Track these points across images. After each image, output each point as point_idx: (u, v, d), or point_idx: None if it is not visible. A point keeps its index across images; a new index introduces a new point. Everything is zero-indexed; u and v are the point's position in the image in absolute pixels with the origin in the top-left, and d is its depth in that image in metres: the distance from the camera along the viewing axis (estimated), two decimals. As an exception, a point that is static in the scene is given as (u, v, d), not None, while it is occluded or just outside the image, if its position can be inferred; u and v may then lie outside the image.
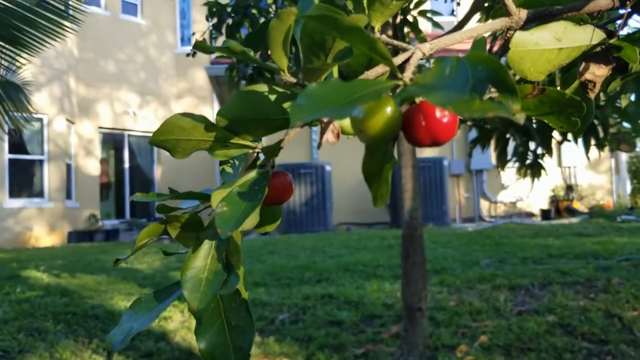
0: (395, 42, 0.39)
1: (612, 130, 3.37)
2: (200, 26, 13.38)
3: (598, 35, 0.43)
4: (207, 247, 0.42)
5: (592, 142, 3.34)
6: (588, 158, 3.93)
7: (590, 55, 0.44)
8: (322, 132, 0.37)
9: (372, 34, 0.41)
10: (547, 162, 3.76)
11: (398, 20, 3.39)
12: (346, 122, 0.42)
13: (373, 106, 0.33)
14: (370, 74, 0.39)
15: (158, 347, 3.15)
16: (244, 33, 4.09)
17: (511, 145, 3.50)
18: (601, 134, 3.28)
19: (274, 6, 3.94)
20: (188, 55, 4.71)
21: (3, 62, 4.40)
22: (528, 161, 3.58)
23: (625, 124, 3.27)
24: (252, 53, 0.39)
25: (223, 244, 0.42)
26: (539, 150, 3.56)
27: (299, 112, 0.28)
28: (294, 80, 0.40)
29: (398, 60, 0.37)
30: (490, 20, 0.42)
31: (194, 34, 5.28)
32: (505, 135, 3.39)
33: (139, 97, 13.07)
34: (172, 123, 0.41)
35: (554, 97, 0.39)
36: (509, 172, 10.92)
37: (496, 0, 3.54)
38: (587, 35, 0.43)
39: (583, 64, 0.44)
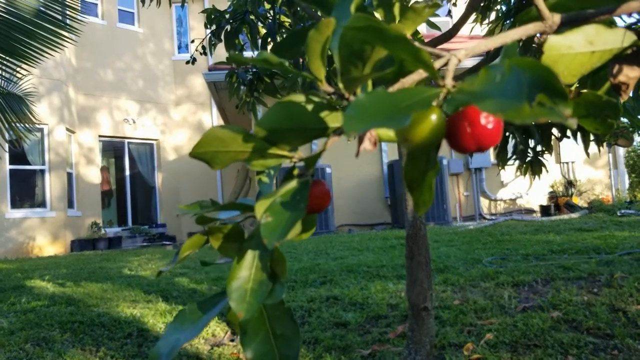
0: (429, 49, 0.39)
1: (611, 125, 3.38)
2: (197, 33, 13.41)
3: (629, 38, 0.43)
4: (250, 258, 0.42)
5: (591, 137, 3.35)
6: (587, 154, 3.94)
7: (622, 57, 0.44)
8: (360, 141, 0.38)
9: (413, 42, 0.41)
10: (546, 158, 3.77)
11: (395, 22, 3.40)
12: (382, 130, 0.42)
13: (419, 114, 0.33)
14: (407, 81, 0.39)
15: (165, 354, 3.15)
16: (242, 39, 4.09)
17: (511, 143, 3.51)
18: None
19: (271, 12, 3.95)
20: (187, 62, 4.72)
21: (4, 73, 4.41)
22: (528, 159, 3.59)
23: (624, 119, 3.28)
24: (287, 64, 0.39)
25: (267, 254, 0.42)
26: (539, 147, 3.57)
27: (352, 123, 0.28)
28: (331, 90, 0.41)
29: (435, 66, 0.38)
30: (521, 26, 0.42)
31: (192, 41, 5.29)
32: (504, 133, 3.40)
33: (138, 105, 13.08)
34: (211, 135, 0.41)
35: (590, 100, 0.40)
36: (508, 170, 10.94)
37: (492, 1, 3.57)
38: (619, 38, 0.43)
39: (616, 66, 0.44)
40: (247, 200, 0.45)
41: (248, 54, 4.94)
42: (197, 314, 0.44)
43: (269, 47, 3.84)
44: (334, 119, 0.42)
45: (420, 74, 0.39)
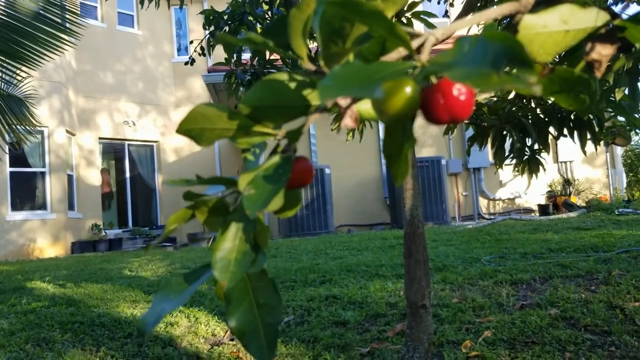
0: (409, 29, 0.41)
1: (607, 124, 3.40)
2: (196, 35, 13.44)
3: (602, 17, 0.45)
4: (234, 229, 0.43)
5: (588, 136, 3.36)
6: (584, 152, 3.96)
7: (595, 36, 0.46)
8: (341, 117, 0.39)
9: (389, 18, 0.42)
10: (544, 157, 3.79)
11: (392, 21, 3.42)
12: (363, 107, 0.43)
13: (393, 86, 0.34)
14: (386, 59, 0.41)
15: (165, 353, 3.15)
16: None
17: (508, 143, 3.52)
18: (596, 129, 3.30)
19: (269, 12, 3.97)
20: (187, 63, 4.74)
21: (4, 76, 4.44)
22: (525, 157, 3.60)
23: (620, 118, 3.29)
24: (271, 43, 0.40)
25: (251, 225, 0.43)
26: (536, 146, 3.58)
27: (326, 91, 0.29)
28: (313, 67, 0.42)
29: (413, 45, 0.39)
30: (498, 5, 0.43)
31: (191, 42, 5.31)
32: (502, 132, 3.42)
33: (138, 107, 13.11)
34: (197, 112, 0.43)
35: (563, 76, 0.41)
36: (506, 169, 10.96)
37: (489, 1, 3.58)
38: (592, 17, 0.44)
39: (589, 44, 0.45)
40: (231, 176, 0.47)
41: (246, 55, 4.95)
42: (183, 285, 0.46)
43: (267, 48, 3.87)
44: (316, 97, 0.43)
45: (399, 53, 0.40)
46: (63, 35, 4.41)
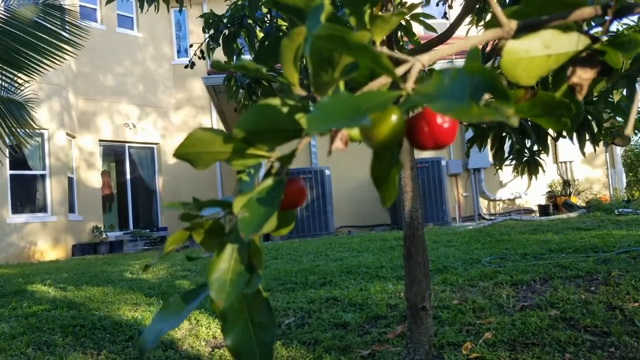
0: (396, 54, 0.42)
1: (606, 124, 3.41)
2: (196, 37, 13.47)
3: (583, 41, 0.46)
4: (229, 251, 0.45)
5: (587, 137, 3.37)
6: (583, 153, 3.96)
7: (577, 59, 0.47)
8: (332, 140, 0.40)
9: (375, 48, 0.44)
10: (544, 158, 3.80)
11: (392, 24, 3.43)
12: (354, 130, 0.45)
13: (379, 115, 0.36)
14: (374, 84, 0.42)
15: (167, 356, 3.17)
16: (240, 43, 4.13)
17: (507, 144, 3.53)
18: (595, 129, 3.31)
19: (269, 16, 3.99)
20: (186, 66, 4.75)
21: (4, 83, 4.46)
22: (525, 158, 3.61)
23: (619, 118, 3.31)
24: (264, 70, 0.42)
25: (245, 247, 0.45)
26: (535, 147, 3.59)
27: (315, 123, 0.31)
28: (304, 93, 0.43)
29: (399, 71, 0.40)
30: (482, 32, 0.45)
31: (191, 45, 5.33)
32: (501, 134, 3.43)
33: (138, 109, 13.12)
34: (194, 137, 0.44)
35: (544, 100, 0.42)
36: (507, 170, 10.96)
37: (486, 4, 3.59)
38: (573, 42, 0.46)
39: (570, 69, 0.47)
40: (227, 198, 0.48)
41: (247, 57, 4.95)
42: (180, 305, 0.47)
43: (267, 51, 3.88)
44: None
45: (387, 78, 0.42)
46: (63, 45, 4.44)
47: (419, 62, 0.41)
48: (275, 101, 0.42)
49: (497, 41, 0.46)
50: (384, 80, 0.42)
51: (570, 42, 0.46)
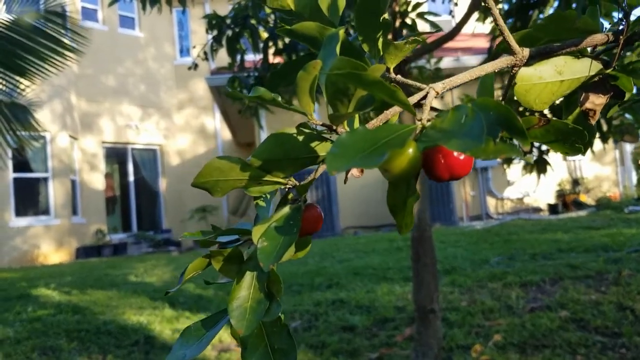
0: (410, 82, 0.43)
1: (616, 122, 3.40)
2: (199, 37, 13.49)
3: (595, 67, 0.47)
4: (249, 278, 0.46)
5: (596, 134, 3.36)
6: (593, 151, 3.94)
7: (589, 85, 0.48)
8: (347, 170, 0.41)
9: (390, 77, 0.45)
10: (552, 156, 3.79)
11: (397, 24, 3.43)
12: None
13: (397, 150, 0.36)
14: (390, 112, 0.43)
15: (175, 360, 3.18)
16: (243, 43, 4.14)
17: (515, 142, 3.53)
18: (605, 127, 3.30)
19: (272, 16, 3.99)
20: (190, 68, 4.76)
21: (6, 88, 4.49)
22: (533, 157, 3.60)
23: (628, 116, 3.30)
24: (279, 99, 0.43)
25: (264, 275, 0.46)
26: (544, 146, 3.59)
27: (335, 162, 0.32)
28: (319, 122, 0.44)
29: (414, 99, 0.41)
30: (495, 59, 0.45)
31: (194, 46, 5.34)
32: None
33: (141, 110, 13.14)
34: (211, 166, 0.45)
35: (558, 127, 0.43)
36: (514, 168, 10.91)
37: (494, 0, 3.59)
38: (586, 67, 0.46)
39: (583, 94, 0.48)
40: (245, 225, 0.49)
41: (250, 57, 4.96)
42: (201, 331, 0.48)
43: (271, 50, 3.87)
44: (323, 149, 0.45)
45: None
46: (64, 52, 4.47)
47: (433, 90, 0.41)
48: (291, 130, 0.43)
49: (511, 72, 0.47)
50: (398, 109, 0.43)
51: (583, 68, 0.46)
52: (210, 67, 11.92)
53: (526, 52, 0.46)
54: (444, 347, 3.01)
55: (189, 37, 14.21)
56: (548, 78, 0.46)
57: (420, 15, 3.48)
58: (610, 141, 3.55)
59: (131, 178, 13.11)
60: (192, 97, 13.89)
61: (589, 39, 0.46)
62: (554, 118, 0.44)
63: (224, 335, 3.55)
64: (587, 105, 0.47)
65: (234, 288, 0.45)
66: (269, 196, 0.50)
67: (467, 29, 3.65)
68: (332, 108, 0.41)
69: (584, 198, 10.85)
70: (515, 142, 0.35)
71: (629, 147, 12.10)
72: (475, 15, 3.73)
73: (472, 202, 11.42)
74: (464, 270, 4.54)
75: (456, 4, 4.60)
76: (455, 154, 0.38)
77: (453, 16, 5.71)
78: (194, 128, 13.78)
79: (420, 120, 0.38)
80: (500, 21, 0.42)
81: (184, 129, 13.78)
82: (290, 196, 0.47)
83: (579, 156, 9.99)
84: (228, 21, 4.00)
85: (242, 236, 0.49)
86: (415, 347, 2.88)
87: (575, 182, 11.15)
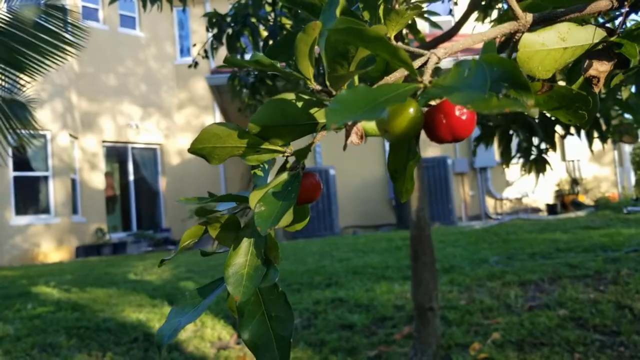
0: (411, 49, 0.42)
1: (614, 122, 3.40)
2: (199, 37, 13.48)
3: (599, 34, 0.46)
4: (246, 245, 0.45)
5: (595, 134, 3.36)
6: (592, 151, 3.94)
7: (593, 52, 0.47)
8: (347, 135, 0.40)
9: (392, 41, 0.44)
10: (551, 156, 3.78)
11: (397, 22, 3.43)
12: (369, 125, 0.45)
13: (397, 108, 0.36)
14: (390, 79, 0.42)
15: (172, 357, 3.18)
16: (244, 41, 4.14)
17: (515, 142, 3.52)
18: (603, 127, 3.30)
19: (272, 14, 3.99)
20: (190, 66, 4.76)
21: (5, 84, 4.47)
22: (532, 157, 3.59)
23: (627, 116, 3.29)
24: (278, 64, 0.42)
25: (262, 241, 0.45)
26: (543, 146, 3.58)
27: (334, 116, 0.31)
28: (319, 87, 0.43)
29: (415, 65, 0.40)
30: (498, 25, 0.45)
31: (194, 45, 5.34)
32: (508, 131, 3.42)
33: (141, 109, 13.13)
34: (209, 132, 0.44)
35: (561, 93, 0.42)
36: (513, 169, 10.91)
37: (493, 1, 3.58)
38: (589, 34, 0.46)
39: (587, 61, 0.47)
40: (243, 193, 0.48)
41: (250, 56, 4.98)
42: (197, 299, 0.47)
43: (269, 49, 3.88)
44: (322, 115, 0.44)
45: (402, 72, 0.42)
46: (65, 47, 4.46)
47: (434, 55, 0.41)
48: (290, 96, 0.42)
49: (511, 34, 0.46)
50: (399, 75, 0.42)
51: (587, 35, 0.45)
52: (211, 66, 11.92)
53: (529, 17, 0.45)
54: (443, 345, 3.01)
55: (189, 37, 14.21)
56: (551, 45, 0.45)
57: (420, 14, 3.48)
58: (609, 142, 3.55)
59: (131, 177, 13.10)
60: (193, 97, 13.89)
61: (593, 5, 0.45)
62: (557, 84, 0.43)
63: (223, 333, 3.55)
64: (591, 72, 0.46)
65: (230, 255, 0.44)
66: (266, 166, 0.49)
67: (466, 28, 3.65)
68: (331, 72, 0.40)
69: (582, 198, 10.86)
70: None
71: (627, 148, 12.11)
72: (475, 14, 3.72)
73: (471, 202, 11.41)
74: (463, 269, 4.53)
75: (456, 4, 4.60)
76: (457, 113, 0.37)
77: (453, 15, 5.72)
78: (194, 127, 13.76)
79: (422, 81, 0.37)
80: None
81: (184, 129, 13.77)
82: (288, 165, 0.46)
83: (578, 156, 9.97)
84: (228, 19, 4.00)
85: (239, 203, 0.48)
86: (414, 345, 2.88)
87: (574, 183, 11.15)
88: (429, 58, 0.41)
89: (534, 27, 0.46)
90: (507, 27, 0.45)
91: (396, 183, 0.43)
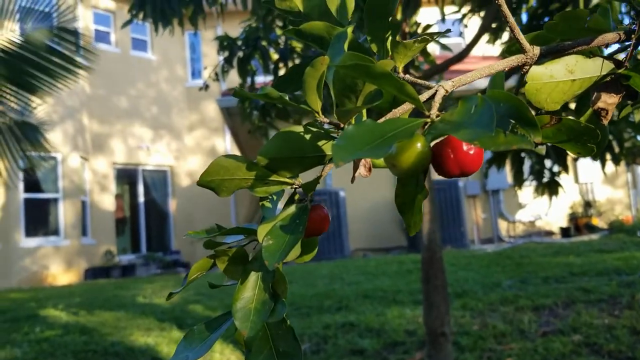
0: (419, 81, 0.42)
1: (627, 144, 3.38)
2: (210, 59, 13.68)
3: (607, 66, 0.46)
4: (254, 279, 0.45)
5: (608, 157, 3.34)
6: (605, 173, 3.90)
7: (601, 84, 0.47)
8: (355, 168, 0.40)
9: (398, 76, 0.44)
10: (564, 179, 3.75)
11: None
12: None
13: (405, 143, 0.36)
14: (398, 111, 0.42)
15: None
16: (254, 64, 4.19)
17: (527, 164, 3.50)
18: (616, 149, 3.28)
19: (283, 38, 4.05)
20: (201, 89, 4.82)
21: (16, 106, 4.55)
22: (545, 179, 3.57)
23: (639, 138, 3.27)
24: (287, 98, 0.42)
25: (269, 275, 0.45)
26: (555, 168, 3.56)
27: (340, 153, 0.31)
28: (327, 120, 0.44)
29: (423, 97, 0.41)
30: (502, 58, 0.45)
31: (205, 67, 5.41)
32: (520, 154, 3.41)
33: (152, 131, 13.27)
34: (217, 164, 0.45)
35: (570, 126, 0.42)
36: (526, 191, 10.82)
37: (504, 22, 3.61)
38: (597, 67, 0.46)
39: (595, 94, 0.47)
40: (251, 225, 0.48)
41: (260, 78, 5.00)
42: (204, 333, 0.47)
43: (281, 72, 3.92)
44: (330, 148, 0.45)
45: (410, 105, 0.42)
46: (76, 70, 4.55)
47: (442, 88, 0.41)
48: (298, 128, 0.43)
49: (519, 66, 0.46)
50: (407, 107, 0.42)
51: (595, 67, 0.45)
52: (221, 88, 12.05)
53: (537, 50, 0.45)
54: (455, 371, 2.95)
55: (200, 60, 14.42)
56: (559, 77, 0.45)
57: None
58: (622, 164, 3.52)
59: (141, 199, 13.16)
60: (203, 119, 14.02)
61: (600, 38, 0.45)
62: (565, 117, 0.43)
63: (231, 358, 3.51)
64: (599, 104, 0.46)
65: (238, 288, 0.44)
66: (275, 197, 0.49)
67: (477, 51, 3.68)
68: (339, 105, 0.40)
69: (596, 221, 10.71)
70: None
71: (641, 170, 11.98)
72: (485, 37, 3.75)
73: (484, 224, 11.31)
74: (476, 293, 4.47)
75: (466, 26, 4.65)
76: (465, 148, 0.37)
77: (463, 37, 5.76)
78: (204, 149, 13.87)
79: (429, 115, 0.37)
80: (510, 19, 0.42)
81: (194, 151, 13.88)
82: (297, 196, 0.46)
83: (591, 179, 9.90)
84: (239, 42, 4.05)
85: (247, 236, 0.48)
86: (425, 371, 2.82)
87: (588, 205, 11.02)
88: (436, 91, 0.41)
89: (541, 59, 0.46)
90: (514, 60, 0.45)
91: (404, 216, 0.43)
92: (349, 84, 0.38)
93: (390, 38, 0.46)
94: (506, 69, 0.44)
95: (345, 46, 0.41)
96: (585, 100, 0.48)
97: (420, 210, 0.42)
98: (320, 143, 0.43)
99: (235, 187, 0.46)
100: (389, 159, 0.37)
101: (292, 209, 0.45)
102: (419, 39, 0.45)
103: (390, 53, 0.46)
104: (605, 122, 0.47)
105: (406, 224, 0.44)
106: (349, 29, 0.42)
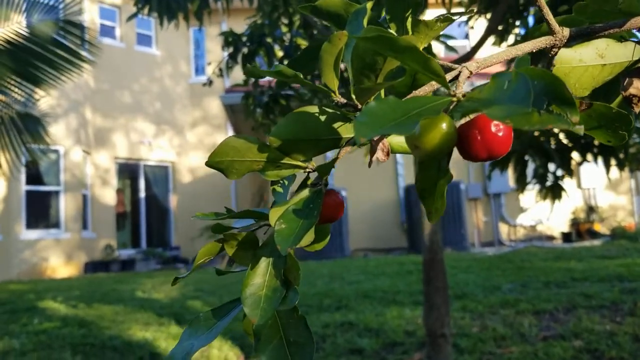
0: (442, 62, 0.40)
1: (632, 150, 3.36)
2: (214, 56, 13.66)
3: (639, 51, 0.44)
4: (264, 265, 0.43)
5: (613, 162, 3.31)
6: (609, 179, 3.88)
7: (632, 70, 0.45)
8: (372, 151, 0.38)
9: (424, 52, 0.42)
10: (567, 184, 3.72)
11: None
12: (395, 141, 0.43)
13: (429, 122, 0.34)
14: (419, 93, 0.40)
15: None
16: (258, 61, 4.17)
17: (530, 167, 3.48)
18: (621, 155, 3.26)
19: (288, 35, 4.03)
20: (204, 85, 4.80)
21: (20, 97, 4.54)
22: (548, 183, 3.54)
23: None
24: (301, 76, 0.40)
25: (281, 261, 0.43)
26: (559, 172, 3.53)
27: (363, 129, 0.29)
28: (344, 100, 0.42)
29: (446, 78, 0.38)
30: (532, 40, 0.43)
31: (209, 63, 5.40)
32: (524, 157, 3.38)
33: (155, 127, 13.26)
34: (227, 144, 0.43)
35: (601, 112, 0.40)
36: (528, 195, 10.79)
37: (510, 24, 3.58)
38: (629, 52, 0.44)
39: (627, 80, 0.45)
40: (262, 210, 0.46)
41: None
42: (211, 320, 0.45)
43: (285, 66, 3.91)
44: (346, 130, 0.43)
45: (432, 86, 0.40)
46: (80, 63, 4.54)
47: (466, 69, 0.39)
48: (313, 109, 0.41)
49: (547, 49, 0.44)
50: (428, 89, 0.40)
51: (626, 52, 0.43)
52: (225, 85, 12.04)
53: (566, 31, 0.43)
54: (455, 373, 2.93)
55: (204, 56, 14.40)
56: (589, 61, 0.43)
57: (437, 38, 3.49)
58: (626, 170, 3.50)
59: (142, 194, 13.16)
60: (206, 115, 14.01)
61: (634, 21, 0.43)
62: (596, 102, 0.41)
63: (229, 354, 3.49)
64: (631, 90, 0.44)
65: (248, 274, 0.42)
66: (286, 182, 0.47)
67: (482, 53, 3.66)
68: (357, 84, 0.38)
69: (598, 227, 10.68)
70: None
71: (644, 177, 11.94)
72: (491, 39, 3.73)
73: (485, 228, 11.28)
74: (476, 296, 4.45)
75: (472, 28, 4.62)
76: (494, 129, 0.35)
77: (469, 39, 5.74)
78: (206, 146, 13.85)
79: (455, 95, 0.35)
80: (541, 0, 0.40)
81: (196, 147, 13.87)
82: (309, 180, 0.44)
83: (594, 184, 9.88)
84: (244, 39, 4.04)
85: (257, 220, 0.46)
86: (424, 372, 2.81)
87: (590, 211, 10.99)
88: (460, 72, 0.39)
89: (570, 42, 0.44)
90: (543, 41, 0.43)
91: (425, 202, 0.41)
92: (368, 62, 0.36)
93: (410, 17, 0.44)
94: (534, 49, 0.42)
95: (365, 22, 0.39)
96: (614, 86, 0.46)
97: (443, 195, 0.40)
98: (335, 125, 0.41)
99: (246, 169, 0.44)
100: (412, 139, 0.35)
101: (306, 192, 0.43)
102: (442, 17, 0.43)
103: (410, 33, 0.44)
104: (637, 109, 0.45)
105: (427, 211, 0.41)
106: (369, 4, 0.40)
